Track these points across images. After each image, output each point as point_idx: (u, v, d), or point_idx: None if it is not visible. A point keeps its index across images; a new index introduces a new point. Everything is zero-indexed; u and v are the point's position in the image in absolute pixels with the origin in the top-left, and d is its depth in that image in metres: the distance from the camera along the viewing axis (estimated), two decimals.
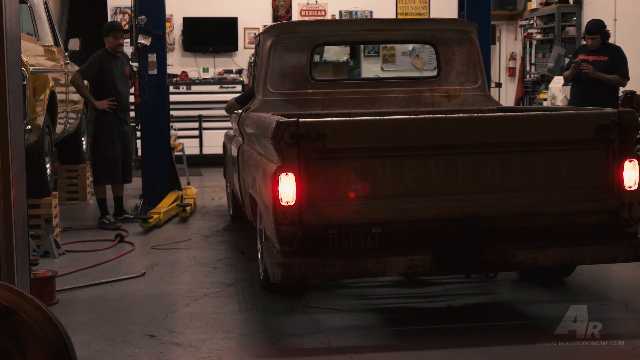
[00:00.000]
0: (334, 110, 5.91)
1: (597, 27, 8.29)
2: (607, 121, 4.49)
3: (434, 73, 14.76)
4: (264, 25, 10.96)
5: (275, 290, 5.15)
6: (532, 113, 4.78)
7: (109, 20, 13.30)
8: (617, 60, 8.15)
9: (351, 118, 4.63)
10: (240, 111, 6.17)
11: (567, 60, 9.26)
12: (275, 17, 13.63)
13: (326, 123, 4.37)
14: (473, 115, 4.88)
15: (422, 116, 4.84)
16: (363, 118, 4.58)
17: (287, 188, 4.23)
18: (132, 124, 8.43)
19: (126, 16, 13.11)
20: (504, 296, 5.31)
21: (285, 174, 4.23)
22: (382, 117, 4.59)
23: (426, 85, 6.27)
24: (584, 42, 8.76)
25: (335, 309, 4.96)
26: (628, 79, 8.22)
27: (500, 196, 4.44)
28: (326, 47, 12.89)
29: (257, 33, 13.63)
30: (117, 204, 8.17)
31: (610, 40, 8.69)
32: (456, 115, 4.67)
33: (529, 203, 4.47)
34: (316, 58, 12.47)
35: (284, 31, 5.99)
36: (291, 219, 4.24)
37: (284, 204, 4.24)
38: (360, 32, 6.36)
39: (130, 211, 8.32)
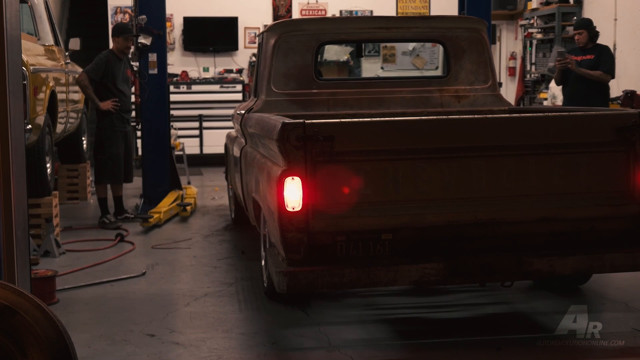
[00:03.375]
0: (340, 110, 5.75)
1: (583, 23, 8.53)
2: (628, 122, 4.27)
3: (435, 73, 14.75)
4: (265, 25, 10.96)
5: (280, 299, 5.00)
6: (549, 114, 4.51)
7: (110, 19, 13.33)
8: (602, 57, 8.29)
9: (360, 119, 4.41)
10: (242, 111, 6.04)
11: (550, 65, 9.38)
12: (276, 17, 13.63)
13: (334, 124, 4.15)
14: (488, 116, 4.69)
15: (435, 117, 4.61)
16: (373, 119, 4.38)
17: (293, 193, 4.02)
18: (132, 124, 8.45)
19: (126, 16, 13.11)
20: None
21: (291, 178, 4.02)
22: (393, 119, 4.40)
23: (435, 85, 6.08)
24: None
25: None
26: (612, 75, 8.31)
27: (516, 201, 4.23)
28: (326, 46, 12.84)
29: (257, 32, 13.76)
30: (117, 204, 8.19)
31: (610, 40, 8.78)
32: (471, 116, 4.48)
33: (546, 208, 4.26)
34: None
35: (288, 29, 5.80)
36: (297, 226, 4.04)
37: (289, 209, 4.03)
38: (368, 30, 6.09)
39: (130, 210, 8.33)
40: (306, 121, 4.05)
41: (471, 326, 4.73)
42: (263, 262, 5.25)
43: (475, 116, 4.50)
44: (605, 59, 8.28)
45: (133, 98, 8.57)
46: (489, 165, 4.21)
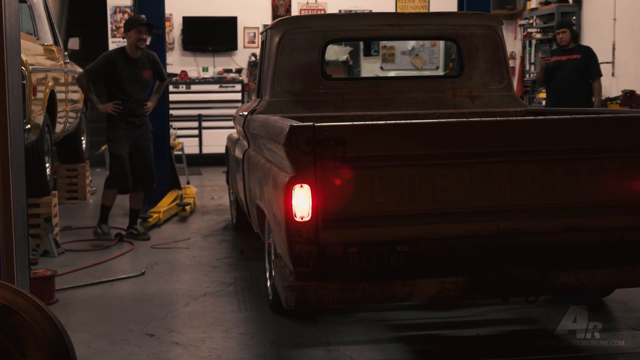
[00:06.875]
0: (348, 112, 5.51)
1: (566, 22, 9.03)
2: None
3: (435, 72, 14.62)
4: (264, 25, 10.93)
5: (287, 313, 4.73)
6: (577, 116, 4.20)
7: (109, 19, 13.33)
8: (590, 59, 8.69)
9: (374, 122, 4.05)
10: (245, 113, 5.80)
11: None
12: (275, 16, 13.62)
13: (346, 127, 3.81)
14: (512, 118, 4.38)
15: (455, 120, 4.24)
16: (388, 122, 4.08)
17: (302, 201, 3.73)
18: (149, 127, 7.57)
19: (126, 15, 13.10)
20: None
21: (299, 185, 3.72)
22: (409, 122, 4.16)
23: (447, 84, 5.82)
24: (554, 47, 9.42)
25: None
26: (601, 74, 8.78)
27: (541, 210, 3.94)
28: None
29: (257, 32, 13.77)
30: (132, 216, 7.49)
31: (609, 40, 8.92)
32: (493, 119, 4.20)
33: (573, 218, 3.96)
34: None
35: (293, 26, 5.54)
36: (306, 237, 3.75)
37: (298, 219, 3.74)
38: (377, 27, 5.77)
39: (139, 227, 7.48)
40: (316, 124, 3.75)
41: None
42: (267, 274, 5.05)
43: (498, 119, 4.25)
44: (593, 62, 8.64)
45: None
46: (512, 172, 3.91)
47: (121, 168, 7.20)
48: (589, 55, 8.66)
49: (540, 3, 12.72)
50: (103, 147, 8.75)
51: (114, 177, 7.24)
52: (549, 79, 8.79)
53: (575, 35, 8.85)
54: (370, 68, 14.04)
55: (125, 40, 7.44)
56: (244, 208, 6.14)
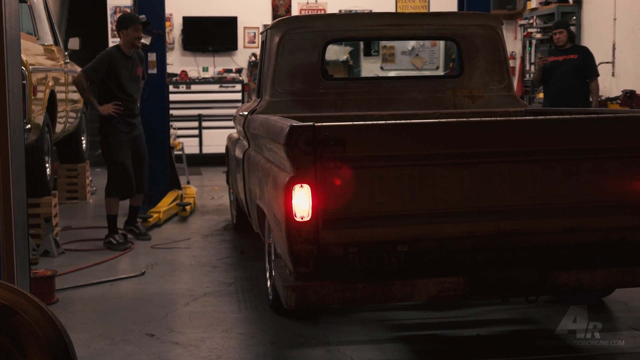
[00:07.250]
0: (348, 112, 5.52)
1: (563, 22, 9.07)
2: None
3: (435, 72, 14.60)
4: (264, 25, 10.93)
5: (287, 313, 4.73)
6: (577, 116, 4.20)
7: (109, 19, 13.33)
8: (587, 59, 8.70)
9: (374, 122, 4.05)
10: (245, 113, 5.80)
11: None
12: (275, 16, 13.63)
13: (346, 127, 3.80)
14: (512, 118, 4.40)
15: (456, 120, 4.22)
16: (388, 122, 4.09)
17: (302, 201, 3.73)
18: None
19: None
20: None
21: (299, 185, 3.73)
22: (410, 122, 4.18)
23: (447, 84, 5.83)
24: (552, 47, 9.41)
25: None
26: (598, 74, 8.78)
27: (541, 210, 3.94)
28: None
29: (257, 32, 13.77)
30: (131, 214, 7.42)
31: (610, 40, 8.92)
32: (493, 119, 4.22)
33: (573, 218, 3.96)
34: None
35: (293, 26, 5.55)
36: (306, 237, 3.75)
37: (298, 219, 3.74)
38: (377, 27, 5.78)
39: (140, 226, 7.45)
40: (316, 124, 3.75)
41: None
42: (268, 274, 5.05)
43: (498, 119, 4.27)
44: (590, 62, 8.66)
45: None
46: (512, 172, 3.91)
47: (125, 176, 6.99)
48: (586, 55, 8.67)
49: (540, 3, 12.73)
50: (98, 151, 8.66)
51: (116, 185, 7.00)
52: (546, 79, 8.80)
53: (572, 36, 8.88)
54: (370, 68, 14.04)
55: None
56: (244, 208, 6.13)
